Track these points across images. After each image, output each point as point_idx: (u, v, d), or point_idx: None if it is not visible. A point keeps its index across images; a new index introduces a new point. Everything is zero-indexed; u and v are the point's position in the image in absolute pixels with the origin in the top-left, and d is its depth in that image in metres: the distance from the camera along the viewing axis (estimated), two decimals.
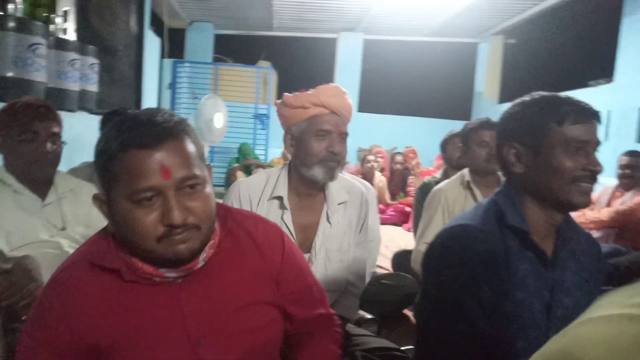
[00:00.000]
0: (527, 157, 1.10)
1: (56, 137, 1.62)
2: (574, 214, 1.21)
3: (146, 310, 0.89)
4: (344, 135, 1.56)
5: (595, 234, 3.34)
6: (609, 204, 3.53)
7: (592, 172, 1.06)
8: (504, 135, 1.15)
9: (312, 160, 1.53)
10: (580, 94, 5.27)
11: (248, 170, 5.77)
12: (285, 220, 1.57)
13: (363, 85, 8.25)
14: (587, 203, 1.08)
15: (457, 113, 8.39)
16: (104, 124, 2.17)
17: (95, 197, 0.89)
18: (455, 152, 2.97)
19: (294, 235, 1.58)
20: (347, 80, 8.08)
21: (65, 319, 0.86)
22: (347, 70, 8.10)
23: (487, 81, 8.01)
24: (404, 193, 5.62)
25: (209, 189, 0.89)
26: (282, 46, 8.83)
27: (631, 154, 3.53)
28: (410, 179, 5.64)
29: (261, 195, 1.60)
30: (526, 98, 1.14)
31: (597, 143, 1.08)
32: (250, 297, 0.96)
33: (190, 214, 0.84)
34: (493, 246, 1.06)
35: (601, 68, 5.55)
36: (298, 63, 8.24)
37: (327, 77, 8.27)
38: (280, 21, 7.53)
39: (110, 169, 0.84)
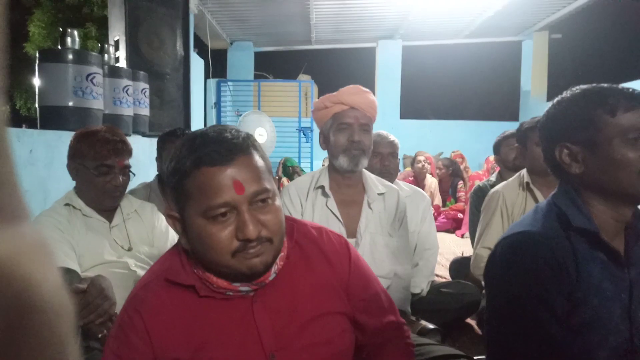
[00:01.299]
0: (584, 155, 1.03)
1: (127, 170, 1.69)
2: None
3: (222, 324, 0.89)
4: (365, 127, 1.73)
5: None
6: None
7: None
8: (552, 136, 1.09)
9: (337, 150, 1.72)
10: (635, 86, 4.98)
11: (292, 179, 5.82)
12: (329, 207, 1.74)
13: (404, 92, 8.18)
14: None
15: (503, 114, 8.18)
16: (161, 145, 2.24)
17: (169, 216, 0.91)
18: (511, 153, 2.88)
19: (341, 220, 1.72)
20: (387, 88, 8.04)
21: (146, 335, 0.88)
22: (387, 78, 8.06)
23: (533, 79, 7.75)
24: (454, 199, 5.50)
25: (278, 201, 0.90)
26: (321, 59, 8.92)
27: None
28: (460, 184, 5.51)
29: (308, 190, 1.79)
30: (566, 95, 1.08)
31: None
32: (321, 308, 0.95)
33: (264, 228, 0.85)
34: (560, 251, 1.01)
35: None
36: (338, 75, 8.29)
37: (367, 86, 8.12)
38: (318, 34, 7.60)
39: (183, 187, 0.85)
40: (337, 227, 1.70)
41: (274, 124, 6.50)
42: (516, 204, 2.20)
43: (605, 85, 1.04)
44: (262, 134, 6.13)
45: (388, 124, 7.49)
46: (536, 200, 2.15)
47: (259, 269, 0.86)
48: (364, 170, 1.80)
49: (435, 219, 5.07)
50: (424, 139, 7.76)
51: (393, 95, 8.05)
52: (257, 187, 0.85)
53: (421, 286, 2.26)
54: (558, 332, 0.98)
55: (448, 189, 5.62)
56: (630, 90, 1.01)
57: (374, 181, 1.81)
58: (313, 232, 1.03)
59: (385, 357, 1.04)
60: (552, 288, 0.99)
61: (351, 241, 1.72)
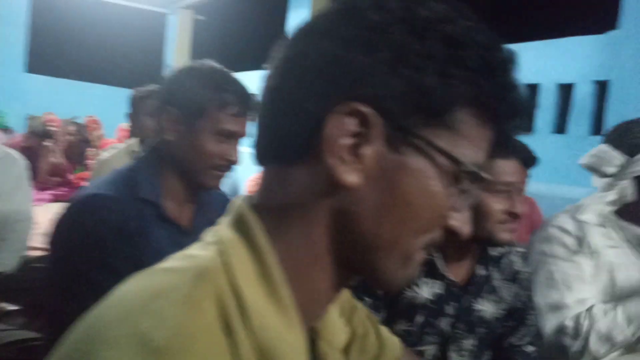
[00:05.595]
0: (180, 127, 1.08)
1: None
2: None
3: None
4: None
5: None
6: None
7: (230, 162, 1.11)
8: (167, 97, 1.11)
9: None
10: (255, 76, 5.78)
11: None
12: None
13: (34, 42, 7.10)
14: (217, 187, 1.15)
15: (145, 83, 8.13)
16: None
17: None
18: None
19: None
20: (8, 34, 6.76)
21: None
22: (5, 21, 6.77)
23: (176, 54, 8.00)
24: (82, 167, 5.14)
25: None
26: None
27: None
28: (91, 151, 5.19)
29: None
30: (198, 66, 1.11)
31: (244, 135, 1.11)
32: None
33: None
34: (125, 216, 1.04)
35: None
36: None
37: None
38: None
39: None
40: None
41: None
42: None
43: (234, 79, 1.09)
44: None
45: (8, 77, 6.33)
46: None
47: None
48: None
49: (58, 188, 4.65)
50: (56, 100, 6.91)
51: (14, 42, 6.84)
52: None
53: (8, 262, 2.00)
54: None
55: (76, 155, 5.22)
56: (246, 95, 1.08)
57: None
58: None
59: None
60: (116, 253, 1.01)
61: None
